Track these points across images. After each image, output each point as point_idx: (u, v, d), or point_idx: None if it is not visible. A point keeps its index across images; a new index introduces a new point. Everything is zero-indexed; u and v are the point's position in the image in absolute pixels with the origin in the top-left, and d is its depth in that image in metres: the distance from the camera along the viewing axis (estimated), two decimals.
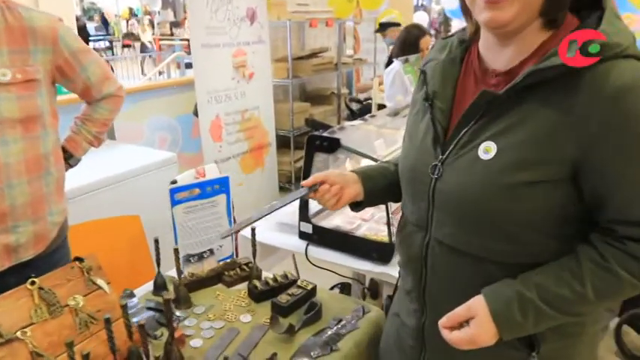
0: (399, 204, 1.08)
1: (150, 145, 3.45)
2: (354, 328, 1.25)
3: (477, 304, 0.82)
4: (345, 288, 2.38)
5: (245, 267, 1.50)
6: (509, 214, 0.80)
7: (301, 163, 1.72)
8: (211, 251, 1.52)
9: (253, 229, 1.42)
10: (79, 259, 1.13)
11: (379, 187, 1.11)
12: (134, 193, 2.34)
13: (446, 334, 0.84)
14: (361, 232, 1.73)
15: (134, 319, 1.19)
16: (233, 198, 1.54)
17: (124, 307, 1.08)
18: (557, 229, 0.81)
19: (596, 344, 0.96)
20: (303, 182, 1.07)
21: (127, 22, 15.51)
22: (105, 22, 15.31)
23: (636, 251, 0.77)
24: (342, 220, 1.84)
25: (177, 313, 1.31)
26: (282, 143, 4.39)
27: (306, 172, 1.66)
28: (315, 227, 1.71)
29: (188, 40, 4.08)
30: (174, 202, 1.41)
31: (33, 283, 1.03)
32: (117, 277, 1.30)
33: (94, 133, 1.58)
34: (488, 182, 0.80)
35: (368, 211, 1.87)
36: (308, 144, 1.65)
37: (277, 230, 1.83)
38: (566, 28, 0.80)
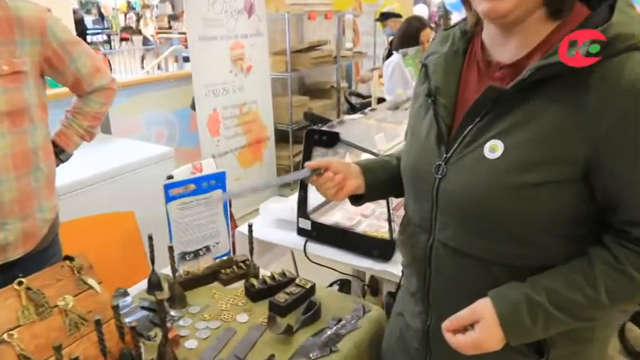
0: (400, 200, 1.04)
1: (146, 139, 3.41)
2: (355, 328, 1.22)
3: (483, 306, 0.79)
4: (344, 285, 2.35)
5: (242, 264, 1.46)
6: (515, 214, 0.77)
7: (300, 158, 1.70)
8: (207, 248, 1.49)
9: (250, 225, 1.39)
10: (70, 258, 1.10)
11: (381, 180, 1.07)
12: (129, 188, 2.31)
13: (449, 337, 0.81)
14: (361, 229, 1.70)
15: (127, 319, 1.16)
16: None
17: (116, 308, 1.05)
18: (566, 229, 0.77)
19: (607, 347, 0.93)
20: (307, 163, 1.01)
21: (125, 15, 15.43)
22: (102, 16, 15.23)
23: None
24: (341, 216, 1.81)
25: (172, 312, 1.29)
26: (281, 137, 4.35)
27: None
28: (314, 223, 1.68)
29: (186, 33, 4.05)
30: (168, 198, 1.38)
31: (20, 283, 1.00)
32: (110, 275, 1.27)
33: (86, 127, 1.54)
34: (494, 182, 0.77)
35: (368, 207, 1.84)
36: (307, 138, 1.62)
37: (275, 227, 1.80)
38: (576, 17, 0.76)
